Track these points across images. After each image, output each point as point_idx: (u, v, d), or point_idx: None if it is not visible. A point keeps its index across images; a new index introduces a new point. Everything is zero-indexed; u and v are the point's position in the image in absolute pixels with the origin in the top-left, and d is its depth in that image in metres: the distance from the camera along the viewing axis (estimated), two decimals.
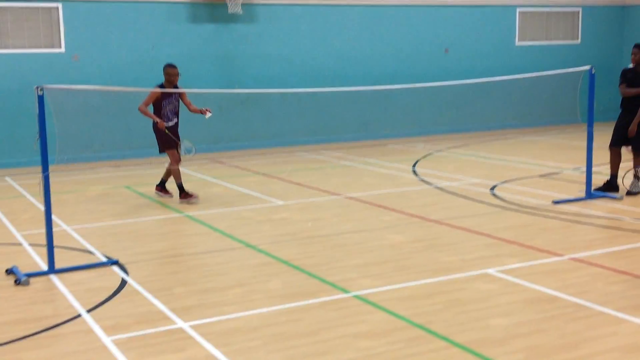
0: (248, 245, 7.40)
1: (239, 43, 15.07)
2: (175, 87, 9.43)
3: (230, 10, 14.46)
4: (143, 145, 14.22)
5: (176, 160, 9.46)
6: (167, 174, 9.80)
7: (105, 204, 9.79)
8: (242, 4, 14.51)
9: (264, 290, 5.96)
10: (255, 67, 15.18)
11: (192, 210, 9.10)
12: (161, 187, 9.93)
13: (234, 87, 14.67)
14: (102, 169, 13.05)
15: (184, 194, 9.49)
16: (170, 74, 9.33)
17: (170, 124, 9.39)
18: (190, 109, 9.60)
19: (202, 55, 14.71)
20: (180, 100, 9.48)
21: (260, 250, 7.19)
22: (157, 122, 9.24)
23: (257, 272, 6.49)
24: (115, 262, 6.82)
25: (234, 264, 6.85)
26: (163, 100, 9.27)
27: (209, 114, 9.36)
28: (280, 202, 9.55)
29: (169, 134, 9.30)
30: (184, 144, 9.39)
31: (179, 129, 9.61)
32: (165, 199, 9.79)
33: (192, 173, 10.16)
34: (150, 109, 9.39)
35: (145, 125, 14.01)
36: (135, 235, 8.09)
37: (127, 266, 6.71)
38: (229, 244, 7.57)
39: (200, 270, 6.72)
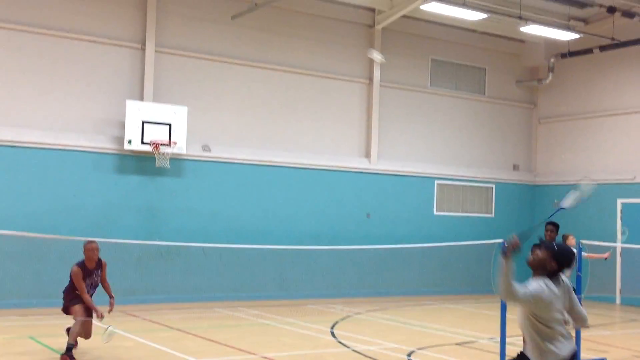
0: None
1: (164, 196, 15.12)
2: (99, 260, 9.33)
3: (157, 164, 14.63)
4: (52, 294, 13.63)
5: (80, 319, 8.91)
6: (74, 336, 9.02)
7: (6, 354, 9.18)
8: (170, 158, 14.74)
9: None
10: (178, 221, 15.15)
11: None
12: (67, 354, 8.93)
13: (154, 239, 14.50)
14: (7, 317, 12.36)
15: (69, 355, 8.75)
16: (88, 249, 9.24)
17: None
18: (103, 284, 9.42)
19: (126, 206, 14.63)
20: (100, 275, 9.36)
21: None
22: (96, 312, 8.93)
23: None
24: None
25: None
26: (85, 278, 9.12)
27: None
28: None
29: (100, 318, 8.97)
30: (109, 331, 8.87)
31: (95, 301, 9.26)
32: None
33: (102, 325, 9.69)
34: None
35: (55, 273, 13.60)
36: None
37: None
38: None
39: None
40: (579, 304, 5.47)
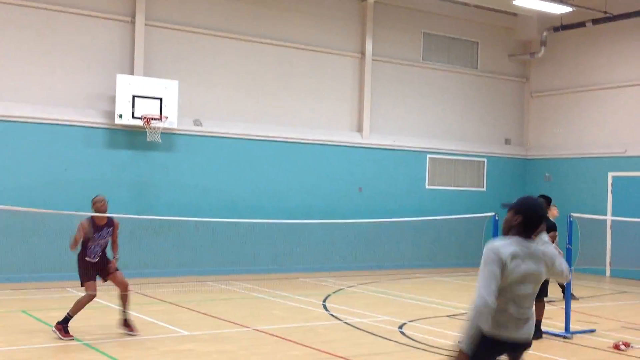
0: None
1: (156, 170, 15.08)
2: (110, 219, 8.97)
3: (149, 138, 14.57)
4: (44, 268, 13.68)
5: (90, 294, 8.75)
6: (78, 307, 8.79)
7: None
8: (161, 133, 14.67)
9: None
10: (170, 195, 15.14)
11: (91, 339, 8.66)
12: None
13: (146, 214, 14.47)
14: None
15: (64, 326, 8.62)
16: (97, 201, 8.89)
17: (95, 260, 8.84)
18: (113, 244, 9.05)
19: (117, 181, 14.60)
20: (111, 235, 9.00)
21: None
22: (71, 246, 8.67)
23: None
24: None
25: None
26: (95, 233, 8.79)
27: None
28: (186, 333, 9.24)
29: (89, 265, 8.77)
30: None
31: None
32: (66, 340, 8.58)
33: (95, 299, 9.71)
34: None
35: (47, 247, 13.60)
36: None
37: None
38: None
39: None
40: (561, 266, 4.61)
